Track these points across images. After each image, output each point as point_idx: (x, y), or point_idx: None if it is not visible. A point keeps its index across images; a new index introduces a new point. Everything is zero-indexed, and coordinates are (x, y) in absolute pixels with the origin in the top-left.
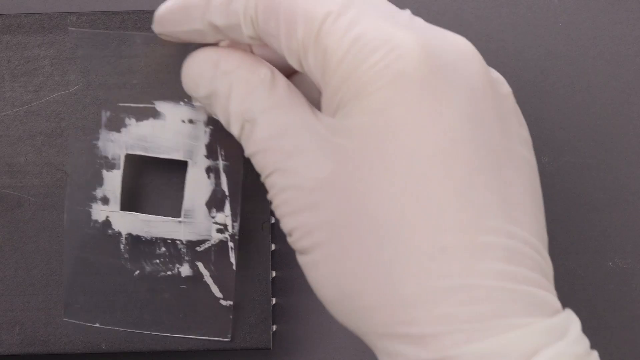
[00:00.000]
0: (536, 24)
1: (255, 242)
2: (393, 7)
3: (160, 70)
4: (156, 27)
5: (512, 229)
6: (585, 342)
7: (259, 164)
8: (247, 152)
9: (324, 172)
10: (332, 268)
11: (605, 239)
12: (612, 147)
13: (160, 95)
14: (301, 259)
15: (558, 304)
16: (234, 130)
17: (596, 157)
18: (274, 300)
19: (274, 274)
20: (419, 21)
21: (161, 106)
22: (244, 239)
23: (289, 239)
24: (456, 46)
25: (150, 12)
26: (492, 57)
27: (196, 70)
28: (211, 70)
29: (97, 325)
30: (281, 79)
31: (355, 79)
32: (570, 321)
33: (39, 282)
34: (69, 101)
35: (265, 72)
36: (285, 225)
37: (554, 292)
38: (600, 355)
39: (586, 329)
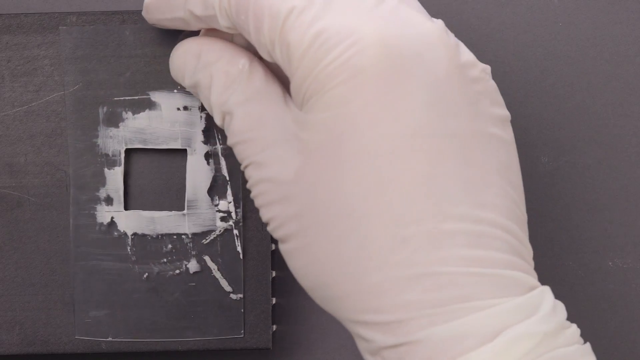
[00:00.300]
0: (536, 24)
1: (255, 242)
2: None
3: (151, 60)
4: (144, 14)
5: (479, 213)
6: (556, 318)
7: (238, 155)
8: (228, 142)
9: (293, 166)
10: (305, 259)
11: (605, 239)
12: (612, 147)
13: (154, 86)
14: (280, 247)
15: (533, 282)
16: (217, 121)
17: (596, 157)
18: (274, 300)
19: (274, 274)
20: (388, 6)
21: (156, 96)
22: (244, 239)
23: (267, 228)
24: (422, 35)
25: None
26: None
27: (180, 62)
28: (194, 62)
29: (110, 339)
30: (259, 69)
31: (316, 74)
32: (543, 298)
33: (39, 282)
34: (69, 101)
35: (243, 62)
36: (263, 216)
37: (531, 270)
38: (601, 356)
39: (586, 329)
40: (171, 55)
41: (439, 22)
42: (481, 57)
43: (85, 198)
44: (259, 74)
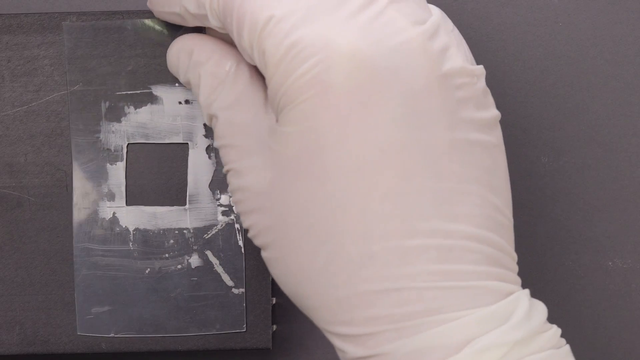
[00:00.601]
0: (536, 24)
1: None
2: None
3: (153, 54)
4: (149, 4)
5: (450, 226)
6: (529, 324)
7: (221, 159)
8: (214, 145)
9: (266, 178)
10: (281, 269)
11: (605, 239)
12: (612, 147)
13: (156, 79)
14: (262, 254)
15: (510, 288)
16: (206, 121)
17: (596, 157)
18: (274, 300)
19: None
20: (373, 11)
21: (157, 90)
22: (246, 237)
23: (248, 235)
24: (400, 45)
25: (150, 12)
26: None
27: (175, 59)
28: (186, 60)
29: (112, 335)
30: (244, 72)
31: (287, 87)
32: (518, 304)
33: (39, 282)
34: (69, 101)
35: (230, 64)
36: (243, 223)
37: (511, 276)
38: (600, 356)
39: (586, 329)
40: (167, 51)
41: (426, 26)
42: (481, 57)
43: (87, 194)
44: (244, 78)
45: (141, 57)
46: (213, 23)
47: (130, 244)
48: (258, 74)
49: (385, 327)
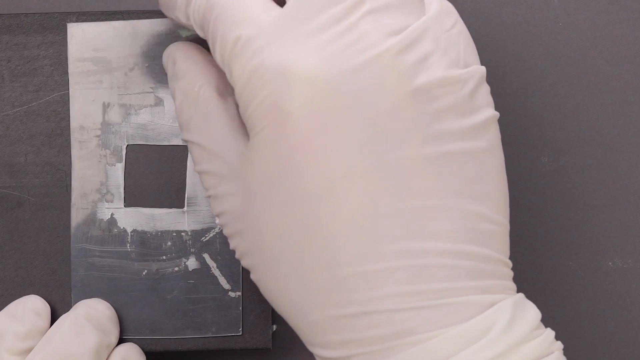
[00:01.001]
0: (536, 24)
1: None
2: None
3: (154, 55)
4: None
5: (422, 245)
6: (509, 337)
7: (202, 184)
8: (195, 168)
9: (238, 203)
10: (263, 290)
11: (605, 239)
12: (612, 147)
13: (157, 81)
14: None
15: (492, 299)
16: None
17: (596, 157)
18: None
19: None
20: (344, 25)
21: (159, 91)
22: None
23: (235, 256)
24: (365, 64)
25: (150, 12)
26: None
27: (164, 63)
28: (170, 69)
29: None
30: (212, 93)
31: (250, 112)
32: (498, 316)
33: (39, 282)
34: (72, 97)
35: (200, 84)
36: (230, 244)
37: (499, 286)
38: (601, 356)
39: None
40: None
41: (401, 36)
42: (481, 57)
43: (85, 194)
44: (213, 100)
45: (143, 58)
46: (200, 34)
47: (128, 245)
48: (231, 93)
49: (358, 350)
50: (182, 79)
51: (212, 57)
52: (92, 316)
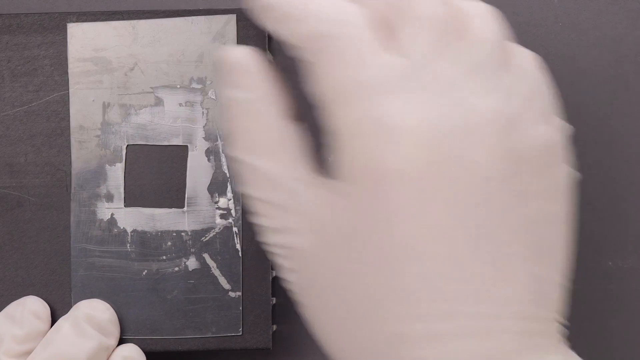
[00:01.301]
0: (536, 24)
1: (254, 241)
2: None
3: (156, 55)
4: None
5: (488, 309)
6: None
7: (251, 208)
8: (246, 191)
9: (305, 241)
10: (314, 326)
11: (605, 239)
12: (612, 147)
13: (158, 81)
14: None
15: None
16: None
17: (596, 157)
18: (274, 300)
19: (274, 274)
20: (444, 85)
21: (159, 91)
22: (243, 237)
23: (287, 286)
24: (467, 123)
25: (150, 12)
26: None
27: (220, 62)
28: (236, 76)
29: None
30: (286, 115)
31: (348, 162)
32: None
33: (39, 282)
34: (72, 97)
35: (271, 104)
36: (283, 274)
37: (547, 343)
38: (601, 356)
39: (586, 330)
40: (219, 51)
41: (499, 95)
42: None
43: (85, 194)
44: (288, 125)
45: (143, 58)
46: (293, 53)
47: (128, 245)
48: (299, 118)
49: None
50: (251, 92)
51: (277, 72)
52: (92, 318)
